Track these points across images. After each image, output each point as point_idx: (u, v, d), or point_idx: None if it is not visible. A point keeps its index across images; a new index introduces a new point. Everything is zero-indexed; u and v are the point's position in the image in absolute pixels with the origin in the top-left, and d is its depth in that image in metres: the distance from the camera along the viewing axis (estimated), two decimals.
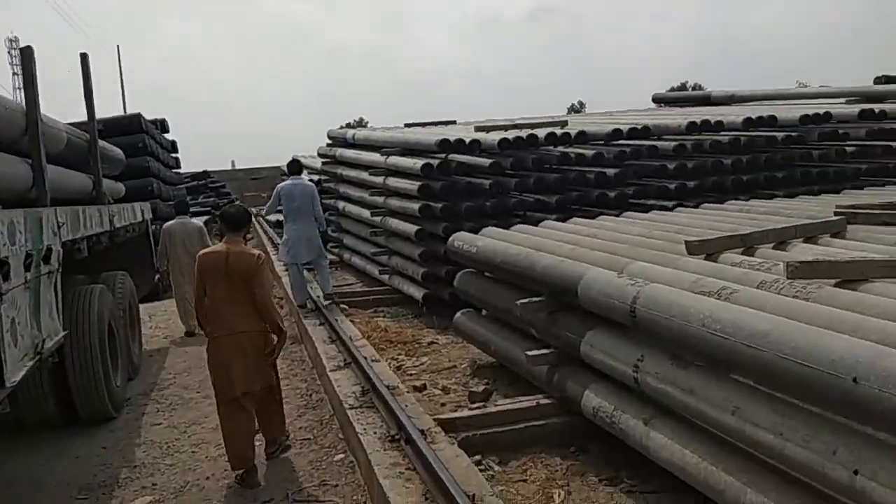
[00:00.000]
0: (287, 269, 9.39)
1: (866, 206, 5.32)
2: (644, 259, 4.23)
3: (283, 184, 9.11)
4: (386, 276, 9.96)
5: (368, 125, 38.95)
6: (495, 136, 8.54)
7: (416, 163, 8.46)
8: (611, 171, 8.77)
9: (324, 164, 13.42)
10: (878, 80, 17.69)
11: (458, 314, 6.42)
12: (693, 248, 4.18)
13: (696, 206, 7.35)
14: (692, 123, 9.07)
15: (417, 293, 8.59)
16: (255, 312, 4.32)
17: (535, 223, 7.77)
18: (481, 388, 5.51)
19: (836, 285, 3.27)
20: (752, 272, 3.60)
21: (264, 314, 4.33)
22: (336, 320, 7.38)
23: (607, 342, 3.81)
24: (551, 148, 8.91)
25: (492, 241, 5.59)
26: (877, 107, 9.85)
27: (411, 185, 8.51)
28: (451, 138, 8.31)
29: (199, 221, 10.28)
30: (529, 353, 4.54)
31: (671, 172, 8.93)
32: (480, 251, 5.55)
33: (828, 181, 9.30)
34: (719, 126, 9.13)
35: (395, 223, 9.15)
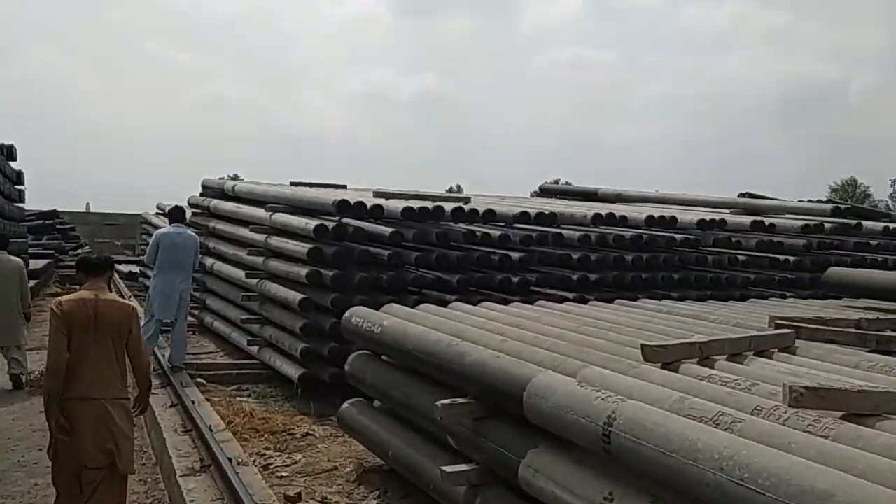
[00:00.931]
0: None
1: (799, 319, 4.98)
2: (594, 362, 3.53)
3: (163, 230, 7.91)
4: (255, 349, 8.72)
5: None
6: (398, 204, 7.80)
7: (308, 223, 7.50)
8: (516, 255, 8.25)
9: (194, 215, 12.08)
10: (741, 195, 18.89)
11: (345, 405, 5.42)
12: (650, 355, 3.53)
13: (610, 302, 6.88)
14: (597, 215, 8.81)
15: (293, 372, 7.45)
16: (120, 373, 3.94)
17: (434, 304, 7.02)
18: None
19: (841, 418, 2.70)
20: (736, 392, 2.97)
21: (139, 374, 3.99)
22: (193, 402, 6.10)
23: (559, 469, 3.00)
24: (455, 224, 8.27)
25: (401, 321, 4.72)
26: (767, 219, 10.11)
27: (300, 248, 7.52)
28: (351, 200, 7.46)
29: (18, 260, 8.64)
30: (446, 468, 3.64)
31: (574, 263, 8.57)
32: (386, 332, 4.66)
33: (719, 287, 9.32)
34: (623, 221, 8.93)
35: (275, 289, 8.04)
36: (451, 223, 8.29)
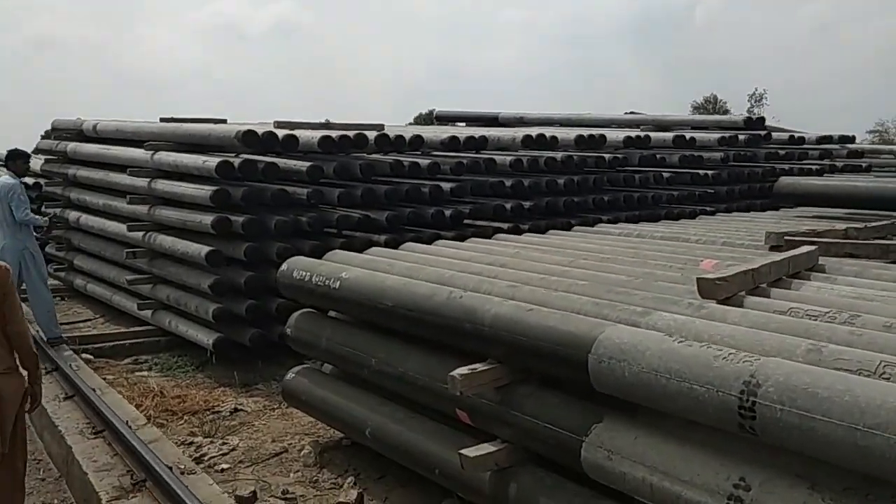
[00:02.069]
0: None
1: (793, 234, 4.55)
2: (644, 304, 2.84)
3: None
4: (148, 313, 7.45)
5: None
6: (313, 134, 6.69)
7: (206, 161, 6.25)
8: (447, 186, 7.44)
9: (47, 162, 10.25)
10: (627, 114, 18.94)
11: (290, 374, 4.48)
12: (709, 290, 2.89)
13: (548, 230, 6.25)
14: (528, 137, 8.11)
15: (204, 337, 6.33)
16: (4, 346, 3.22)
17: (362, 247, 6.14)
18: (353, 494, 3.67)
19: None
20: (855, 330, 2.37)
21: (22, 347, 3.25)
22: (95, 390, 4.91)
23: (652, 449, 2.30)
24: (381, 155, 7.30)
25: (368, 273, 3.80)
26: (689, 133, 9.85)
27: (199, 191, 6.28)
28: (259, 131, 6.27)
29: None
30: (468, 452, 2.86)
31: (507, 191, 7.89)
32: (349, 287, 3.74)
33: (646, 206, 9.03)
34: (554, 142, 8.29)
35: (170, 242, 6.77)
36: (375, 154, 7.32)
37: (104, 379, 6.13)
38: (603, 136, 8.72)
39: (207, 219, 6.13)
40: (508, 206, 7.80)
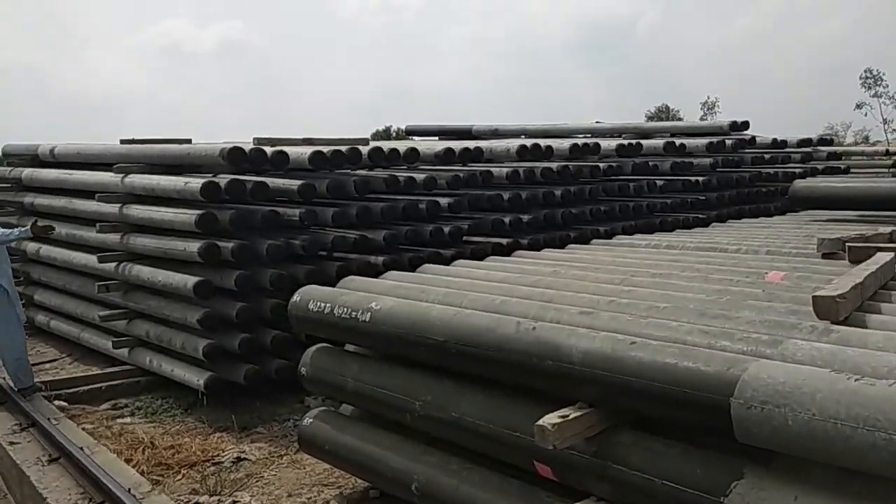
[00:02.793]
0: None
1: (847, 239, 4.25)
2: (763, 331, 2.45)
3: None
4: (125, 351, 6.80)
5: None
6: (303, 150, 6.19)
7: (189, 182, 5.69)
8: (444, 201, 7.01)
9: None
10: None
11: (308, 418, 3.96)
12: (829, 309, 2.51)
13: (564, 244, 5.89)
14: (523, 147, 7.74)
15: (194, 377, 5.74)
16: None
17: (360, 269, 5.71)
18: None
19: None
20: None
21: None
22: (82, 448, 4.29)
23: None
24: (373, 170, 6.83)
25: (406, 303, 3.33)
26: (678, 140, 9.63)
27: (181, 216, 5.71)
28: (245, 148, 5.74)
29: None
30: None
31: (505, 205, 7.50)
32: (385, 319, 3.27)
33: (640, 216, 8.77)
34: (549, 152, 7.94)
35: (148, 272, 6.17)
36: (362, 170, 6.85)
37: (83, 429, 5.50)
38: (597, 145, 8.42)
39: (193, 246, 5.56)
40: (507, 220, 7.43)
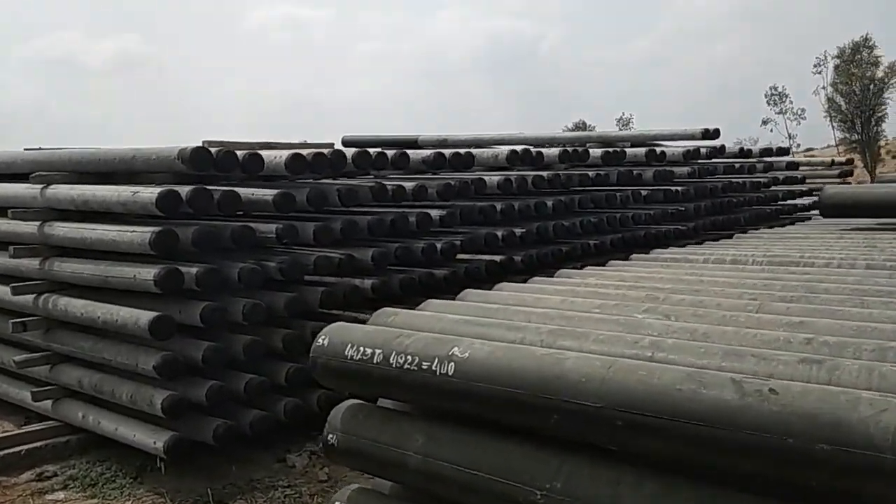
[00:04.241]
0: None
1: None
2: None
3: None
4: (48, 403, 5.46)
5: None
6: (279, 154, 5.13)
7: (138, 192, 4.52)
8: (435, 214, 6.10)
9: None
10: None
11: (340, 502, 2.94)
12: None
13: (625, 258, 5.11)
14: (513, 152, 6.93)
15: (149, 438, 4.51)
16: None
17: (346, 295, 4.76)
18: None
19: None
20: None
21: None
22: None
23: None
24: (360, 178, 5.85)
25: (505, 346, 2.40)
26: (660, 146, 9.09)
27: (130, 234, 4.52)
28: (214, 150, 4.62)
29: None
30: None
31: (497, 217, 6.68)
32: (484, 372, 2.33)
33: (627, 228, 8.18)
34: (540, 159, 7.17)
35: (82, 306, 4.92)
36: (348, 178, 5.87)
37: None
38: (587, 151, 7.73)
39: (147, 272, 4.39)
40: (500, 234, 6.60)
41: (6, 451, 5.13)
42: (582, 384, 2.05)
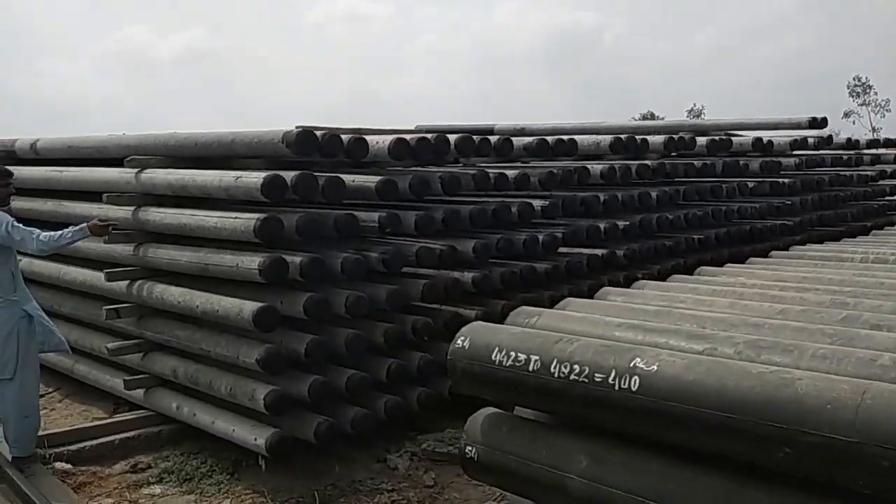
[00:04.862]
0: None
1: None
2: None
3: None
4: (140, 392, 5.35)
5: None
6: (382, 138, 4.85)
7: (242, 178, 4.30)
8: (538, 204, 5.73)
9: None
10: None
11: None
12: None
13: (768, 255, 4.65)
14: (617, 140, 6.49)
15: (250, 434, 4.30)
16: None
17: (447, 289, 4.45)
18: None
19: None
20: None
21: None
22: None
23: None
24: (464, 165, 5.54)
25: (721, 363, 2.02)
26: (766, 135, 8.46)
27: (232, 221, 4.31)
28: (319, 133, 4.36)
29: None
30: None
31: (599, 208, 6.26)
32: (678, 386, 1.97)
33: (730, 221, 7.63)
34: (645, 146, 6.71)
35: (179, 294, 4.76)
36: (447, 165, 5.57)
37: None
38: (693, 139, 7.21)
39: (251, 261, 4.17)
40: (602, 226, 6.18)
41: (99, 441, 5.03)
42: (828, 412, 1.66)
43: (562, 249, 6.06)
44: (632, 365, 2.09)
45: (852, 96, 48.49)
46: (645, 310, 2.75)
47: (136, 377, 5.31)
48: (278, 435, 4.15)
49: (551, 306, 5.73)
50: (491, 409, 2.71)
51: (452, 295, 5.08)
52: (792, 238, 8.09)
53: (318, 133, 4.33)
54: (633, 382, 2.06)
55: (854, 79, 48.84)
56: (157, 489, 4.44)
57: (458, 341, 2.60)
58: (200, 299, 4.50)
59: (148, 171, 5.22)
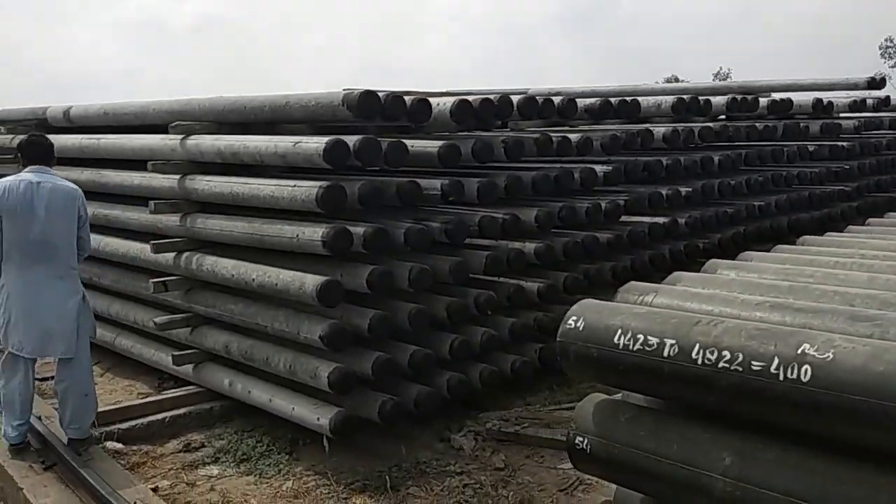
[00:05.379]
0: None
1: None
2: None
3: (6, 181, 4.06)
4: (189, 367, 5.17)
5: None
6: (443, 100, 4.54)
7: (299, 142, 4.02)
8: (599, 169, 5.43)
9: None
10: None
11: None
12: None
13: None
14: (680, 100, 6.12)
15: (312, 414, 4.10)
16: None
17: (510, 261, 4.17)
18: None
19: None
20: None
21: None
22: None
23: None
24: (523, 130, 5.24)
25: None
26: (826, 96, 8.04)
27: (292, 190, 4.05)
28: (381, 94, 4.06)
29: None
30: None
31: (661, 173, 5.94)
32: (887, 377, 1.68)
33: (790, 187, 7.29)
34: (707, 108, 6.33)
35: (232, 266, 4.53)
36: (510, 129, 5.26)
37: (156, 489, 3.92)
38: (756, 100, 6.83)
39: (313, 231, 3.92)
40: (665, 192, 5.87)
41: (150, 419, 4.86)
42: None
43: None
44: (800, 352, 1.82)
45: (884, 58, 46.99)
46: (776, 286, 2.47)
47: (185, 352, 5.12)
48: (343, 414, 3.94)
49: (614, 278, 5.53)
50: (601, 396, 2.46)
51: (516, 267, 4.82)
52: (849, 204, 7.75)
53: (381, 94, 4.03)
54: (803, 372, 1.79)
55: (886, 40, 47.27)
56: (213, 470, 4.27)
57: (571, 322, 2.34)
58: (257, 272, 4.27)
59: (193, 137, 4.96)
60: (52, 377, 4.48)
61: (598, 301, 2.41)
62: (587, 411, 2.42)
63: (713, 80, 52.35)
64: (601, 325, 2.26)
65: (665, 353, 2.07)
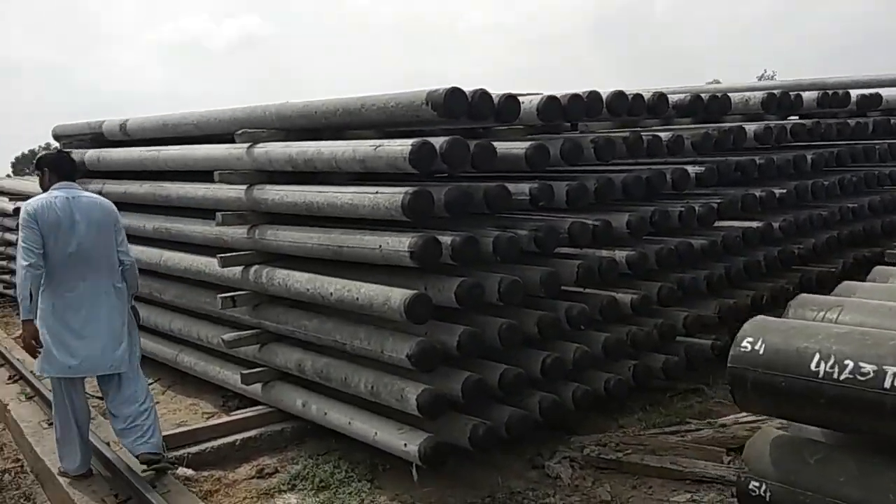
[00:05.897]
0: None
1: None
2: None
3: (40, 200, 3.88)
4: (258, 387, 4.90)
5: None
6: (530, 98, 4.20)
7: (381, 146, 3.72)
8: (692, 170, 5.02)
9: None
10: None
11: None
12: None
13: None
14: (771, 95, 5.69)
15: (399, 440, 3.77)
16: None
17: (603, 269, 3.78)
18: None
19: None
20: None
21: None
22: None
23: None
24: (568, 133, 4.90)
25: None
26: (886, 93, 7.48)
27: (373, 197, 3.74)
28: (468, 92, 3.75)
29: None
30: None
31: (754, 174, 5.50)
32: None
33: (883, 187, 6.79)
34: (799, 103, 5.88)
35: (307, 280, 4.25)
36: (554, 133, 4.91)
37: None
38: (847, 95, 6.34)
39: (399, 242, 3.60)
40: (759, 194, 5.44)
41: (221, 442, 4.60)
42: None
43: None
44: None
45: None
46: None
47: (254, 370, 4.86)
48: (433, 441, 3.60)
49: (708, 289, 5.13)
50: (776, 431, 2.08)
51: (607, 277, 4.44)
52: None
53: (468, 91, 3.71)
54: None
55: None
56: (291, 499, 3.98)
57: (746, 344, 1.97)
58: (335, 286, 3.97)
59: (261, 144, 4.71)
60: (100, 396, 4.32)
61: (777, 319, 2.04)
62: (761, 450, 2.05)
63: (758, 80, 51.12)
64: (790, 349, 1.89)
65: (887, 385, 1.69)
